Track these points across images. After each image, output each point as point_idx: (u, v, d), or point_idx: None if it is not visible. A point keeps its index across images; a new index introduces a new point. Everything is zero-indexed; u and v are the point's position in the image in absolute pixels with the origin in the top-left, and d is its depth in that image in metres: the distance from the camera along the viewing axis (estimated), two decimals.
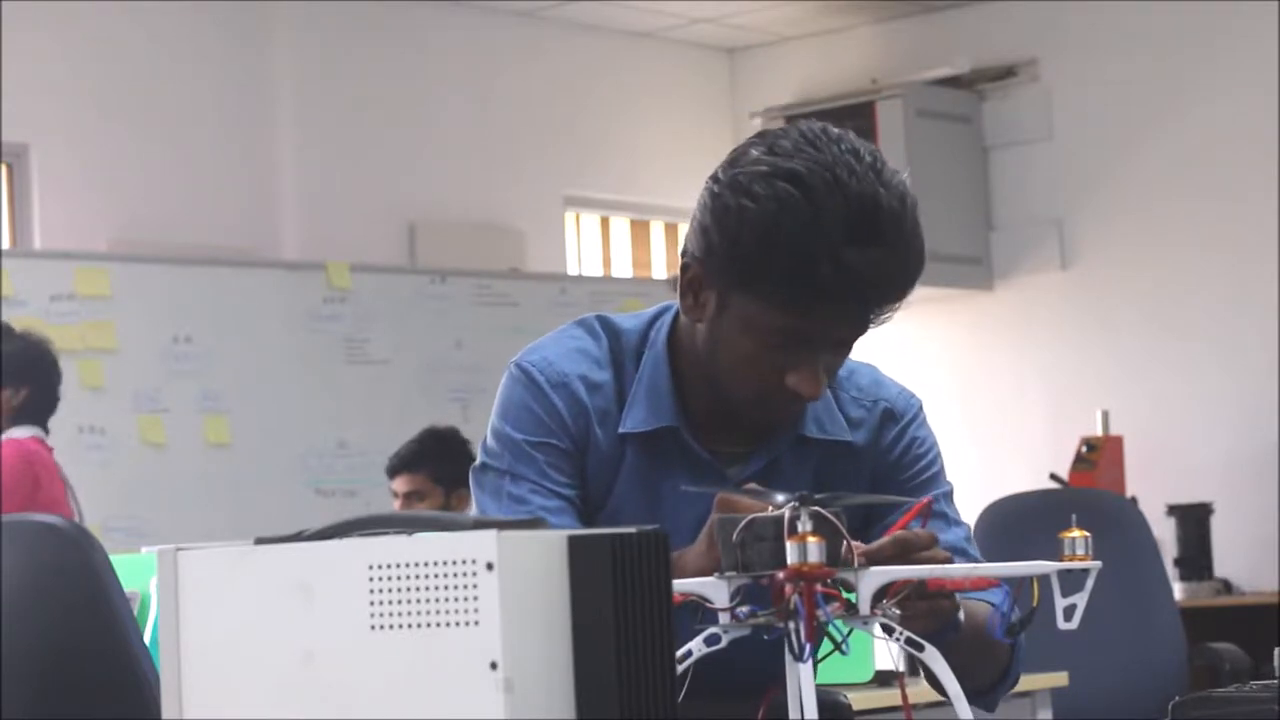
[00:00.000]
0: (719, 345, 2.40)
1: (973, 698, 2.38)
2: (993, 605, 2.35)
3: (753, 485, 2.23)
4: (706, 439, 2.47)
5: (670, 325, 2.51)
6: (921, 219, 2.43)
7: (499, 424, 2.48)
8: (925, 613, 2.09)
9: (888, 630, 1.92)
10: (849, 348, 2.42)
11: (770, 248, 2.30)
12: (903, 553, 2.09)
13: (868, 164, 2.33)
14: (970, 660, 2.21)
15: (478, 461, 2.49)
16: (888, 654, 2.03)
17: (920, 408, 2.58)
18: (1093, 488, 7.51)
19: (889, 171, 2.35)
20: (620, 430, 2.46)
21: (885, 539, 2.12)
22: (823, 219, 2.28)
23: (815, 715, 1.79)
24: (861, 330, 2.38)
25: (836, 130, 2.38)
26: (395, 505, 6.14)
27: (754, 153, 2.35)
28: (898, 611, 1.93)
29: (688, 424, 2.46)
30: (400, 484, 6.13)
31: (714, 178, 2.37)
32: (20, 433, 5.86)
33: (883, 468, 2.53)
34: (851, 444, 2.51)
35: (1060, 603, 1.94)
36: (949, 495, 2.55)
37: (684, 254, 2.43)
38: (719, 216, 2.34)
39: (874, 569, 1.93)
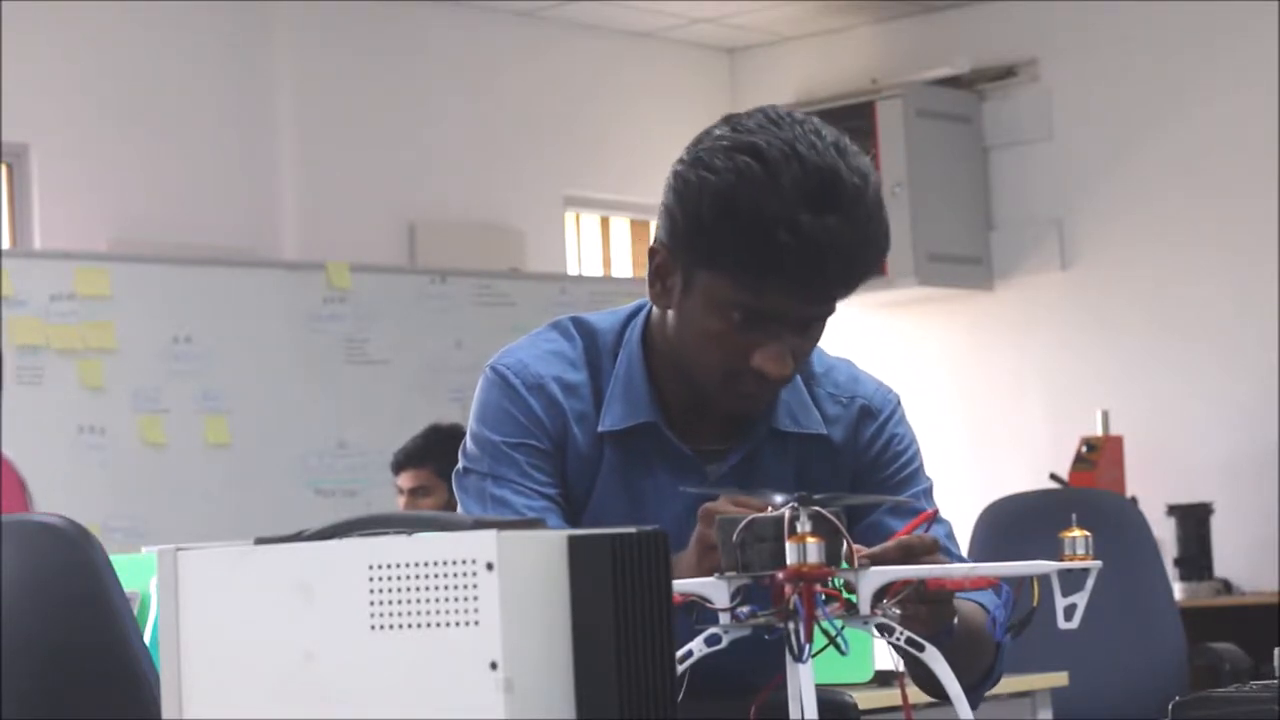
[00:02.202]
0: (686, 328, 2.40)
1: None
2: (982, 606, 2.35)
3: (736, 491, 2.23)
4: (684, 436, 2.47)
5: (644, 322, 2.51)
6: (889, 207, 2.42)
7: (477, 428, 2.48)
8: (925, 617, 2.10)
9: (888, 630, 1.92)
10: (816, 330, 2.40)
11: (728, 217, 2.30)
12: (906, 557, 2.09)
13: (829, 141, 2.34)
14: (959, 660, 2.22)
15: (459, 466, 2.49)
16: (888, 654, 2.03)
17: (898, 403, 2.57)
18: (1093, 488, 7.51)
19: (853, 152, 2.35)
20: (599, 429, 2.46)
21: (890, 543, 2.12)
22: (780, 187, 2.28)
23: (815, 715, 1.79)
24: (825, 309, 2.37)
25: (803, 114, 2.38)
26: (400, 500, 6.15)
27: (717, 131, 2.38)
28: (898, 611, 1.93)
29: (665, 420, 2.46)
30: (405, 479, 6.14)
31: (678, 160, 2.40)
32: None
33: (862, 465, 2.53)
34: (829, 439, 2.51)
35: (1060, 602, 1.94)
36: (928, 491, 2.55)
37: (651, 243, 2.44)
38: (680, 193, 2.37)
39: (874, 569, 1.93)
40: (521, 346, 2.53)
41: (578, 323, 2.54)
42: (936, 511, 2.38)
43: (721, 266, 2.33)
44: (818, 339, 2.42)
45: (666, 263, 2.41)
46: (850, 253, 2.30)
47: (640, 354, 2.48)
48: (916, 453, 2.55)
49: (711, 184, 2.32)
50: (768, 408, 2.48)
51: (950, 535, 2.51)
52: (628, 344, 2.49)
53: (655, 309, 2.48)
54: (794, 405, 2.49)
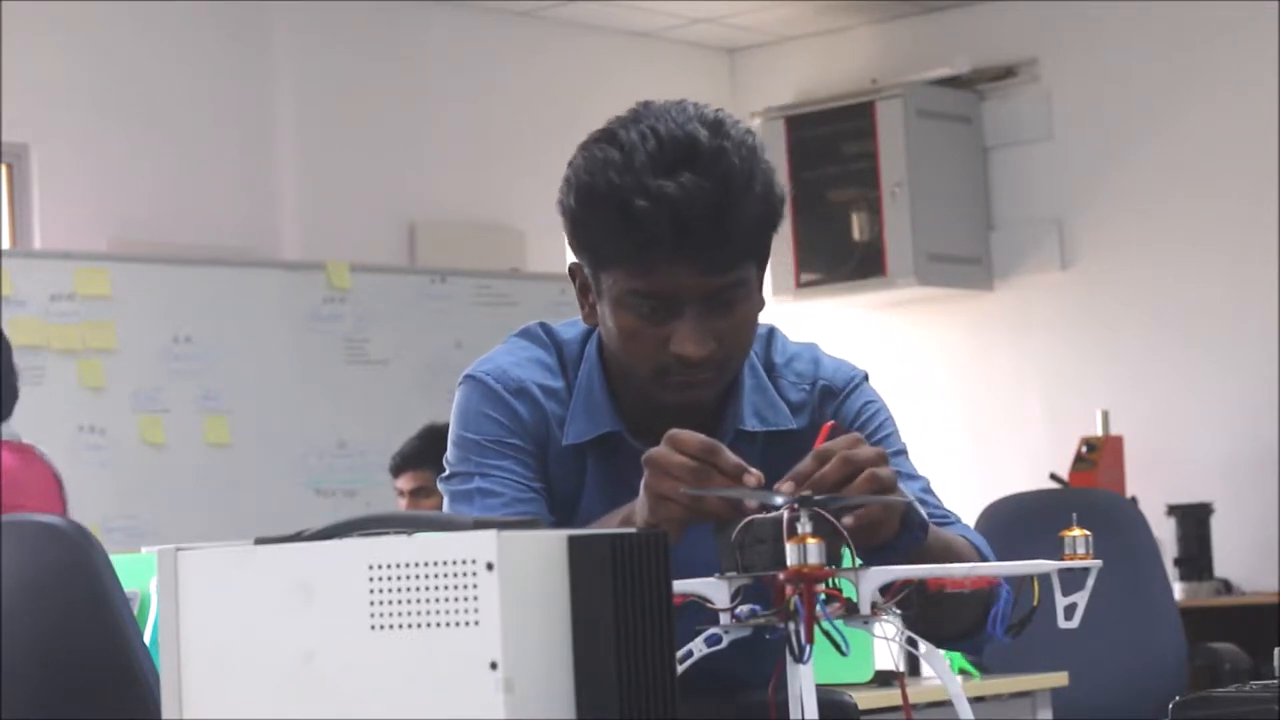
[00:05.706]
0: (611, 337, 2.40)
1: (958, 641, 2.36)
2: (968, 540, 2.35)
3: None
4: (650, 444, 2.46)
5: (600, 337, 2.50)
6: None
7: (459, 432, 2.46)
8: (877, 519, 2.10)
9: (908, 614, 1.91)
10: (738, 308, 2.36)
11: (592, 205, 2.32)
12: (823, 461, 2.10)
13: (700, 118, 2.34)
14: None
15: (445, 473, 2.47)
16: (888, 654, 2.03)
17: (862, 378, 2.54)
18: (1093, 488, 7.51)
19: (730, 123, 2.35)
20: (564, 442, 2.45)
21: (806, 459, 2.12)
22: (633, 163, 2.29)
23: (815, 715, 1.79)
24: (727, 279, 2.33)
25: (693, 102, 2.39)
26: (400, 503, 6.14)
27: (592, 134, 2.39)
28: (899, 612, 1.93)
29: (629, 429, 2.45)
30: (404, 482, 6.14)
31: None
32: None
33: None
34: (795, 431, 2.48)
35: (1061, 602, 1.94)
36: (903, 453, 2.51)
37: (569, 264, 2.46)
38: (560, 201, 2.39)
39: (874, 569, 1.92)
40: (498, 354, 2.51)
41: (547, 330, 2.53)
42: (834, 425, 2.29)
43: (608, 260, 2.34)
44: (747, 318, 2.38)
45: (583, 279, 2.42)
46: (714, 206, 2.28)
47: (599, 367, 2.47)
48: (887, 419, 2.52)
49: (574, 181, 2.35)
50: (733, 409, 2.46)
51: (928, 489, 2.47)
52: (588, 357, 2.48)
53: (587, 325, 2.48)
54: (760, 404, 2.47)
